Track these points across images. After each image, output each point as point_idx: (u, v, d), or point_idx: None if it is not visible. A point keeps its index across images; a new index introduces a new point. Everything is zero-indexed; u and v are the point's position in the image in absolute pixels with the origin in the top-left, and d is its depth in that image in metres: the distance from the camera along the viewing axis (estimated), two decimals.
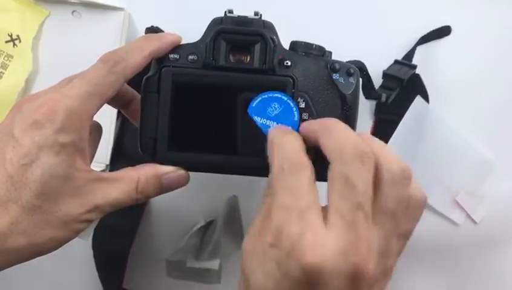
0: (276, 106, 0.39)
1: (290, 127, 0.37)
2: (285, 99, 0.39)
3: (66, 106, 0.35)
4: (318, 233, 0.29)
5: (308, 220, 0.29)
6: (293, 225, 0.29)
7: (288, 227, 0.30)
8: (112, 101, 0.41)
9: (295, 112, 0.39)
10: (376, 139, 0.33)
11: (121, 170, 0.39)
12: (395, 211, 0.31)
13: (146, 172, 0.39)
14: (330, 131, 0.33)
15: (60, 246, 0.37)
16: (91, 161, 0.40)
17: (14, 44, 0.55)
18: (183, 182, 0.41)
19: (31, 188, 0.34)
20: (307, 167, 0.32)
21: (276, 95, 0.39)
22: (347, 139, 0.31)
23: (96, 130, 0.43)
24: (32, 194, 0.34)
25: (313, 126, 0.35)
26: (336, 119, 0.34)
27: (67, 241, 0.37)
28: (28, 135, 0.34)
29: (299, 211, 0.30)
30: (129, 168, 0.40)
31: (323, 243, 0.29)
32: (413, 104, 0.56)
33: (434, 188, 0.58)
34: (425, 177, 0.57)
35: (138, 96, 0.41)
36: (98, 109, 0.37)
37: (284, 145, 0.34)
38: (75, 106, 0.35)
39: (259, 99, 0.39)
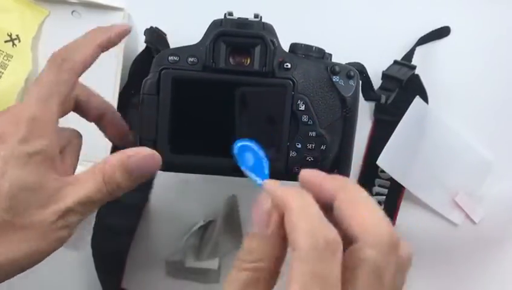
0: (250, 155, 0.36)
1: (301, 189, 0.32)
2: (256, 150, 0.36)
3: (27, 115, 0.34)
4: None
5: None
6: None
7: None
8: (84, 114, 0.41)
9: (265, 165, 0.35)
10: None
11: (91, 166, 0.37)
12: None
13: (112, 160, 0.36)
14: (356, 204, 0.29)
15: (46, 257, 0.36)
16: (74, 169, 0.39)
17: (14, 44, 0.55)
18: (153, 164, 0.37)
19: (0, 202, 0.33)
20: (340, 247, 0.28)
21: (247, 143, 0.36)
22: (382, 225, 0.28)
23: (75, 138, 0.41)
24: (2, 208, 0.33)
25: (328, 184, 0.31)
26: (353, 182, 0.31)
27: (53, 251, 0.36)
28: None
29: None
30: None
31: None
32: (412, 104, 0.56)
33: (433, 188, 0.58)
34: (424, 177, 0.57)
35: (112, 109, 0.42)
36: (61, 112, 0.36)
37: (309, 212, 0.28)
38: (35, 112, 0.34)
39: (238, 145, 0.36)
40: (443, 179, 0.58)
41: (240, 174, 0.42)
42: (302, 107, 0.40)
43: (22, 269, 0.35)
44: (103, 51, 0.38)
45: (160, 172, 0.57)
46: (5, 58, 0.54)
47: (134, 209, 0.57)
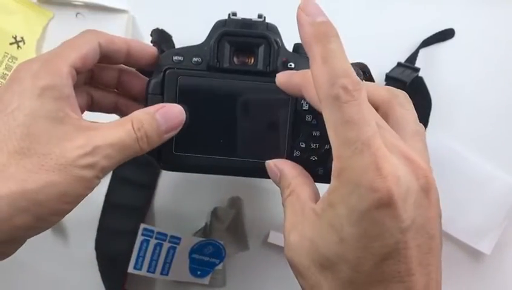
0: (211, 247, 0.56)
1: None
2: (217, 244, 0.56)
3: (43, 58, 0.36)
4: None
5: (377, 148, 0.30)
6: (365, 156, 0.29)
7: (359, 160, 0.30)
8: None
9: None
10: None
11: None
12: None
13: (137, 113, 0.37)
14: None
15: (65, 199, 0.33)
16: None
17: (19, 46, 0.55)
18: (179, 115, 0.39)
19: (16, 133, 0.33)
20: (363, 87, 0.31)
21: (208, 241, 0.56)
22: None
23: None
24: (18, 137, 0.33)
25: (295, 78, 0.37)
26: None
27: (74, 194, 0.34)
28: (9, 91, 0.34)
29: (364, 141, 0.30)
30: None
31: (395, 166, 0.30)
32: None
33: (457, 219, 0.57)
34: (446, 209, 0.56)
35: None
36: (77, 58, 0.37)
37: (337, 53, 0.33)
38: (50, 56, 0.36)
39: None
40: (466, 209, 0.57)
41: (244, 174, 0.42)
42: (306, 107, 0.40)
43: (41, 205, 0.32)
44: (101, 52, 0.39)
45: (163, 172, 0.58)
46: (10, 60, 0.55)
47: (137, 210, 0.57)
